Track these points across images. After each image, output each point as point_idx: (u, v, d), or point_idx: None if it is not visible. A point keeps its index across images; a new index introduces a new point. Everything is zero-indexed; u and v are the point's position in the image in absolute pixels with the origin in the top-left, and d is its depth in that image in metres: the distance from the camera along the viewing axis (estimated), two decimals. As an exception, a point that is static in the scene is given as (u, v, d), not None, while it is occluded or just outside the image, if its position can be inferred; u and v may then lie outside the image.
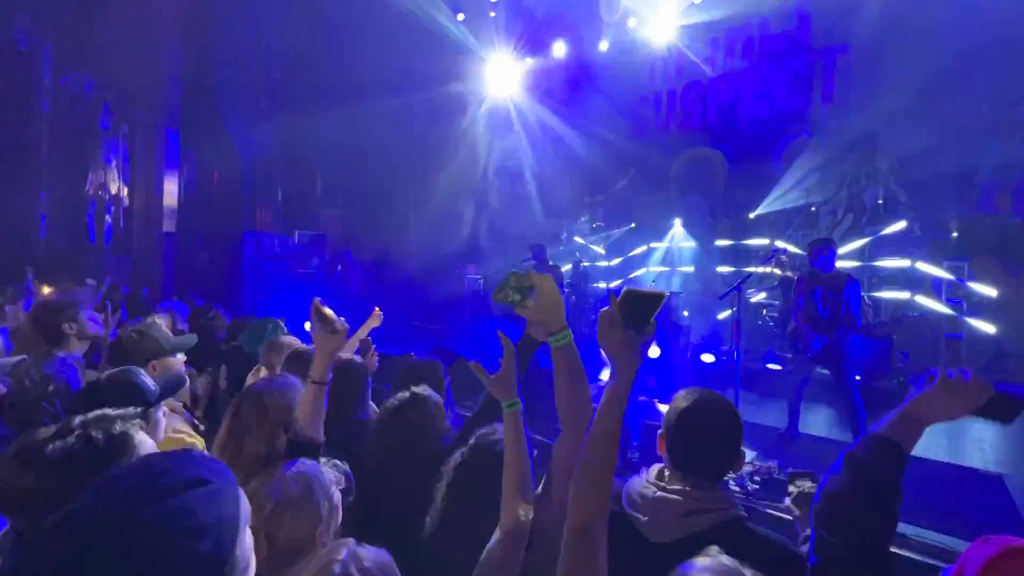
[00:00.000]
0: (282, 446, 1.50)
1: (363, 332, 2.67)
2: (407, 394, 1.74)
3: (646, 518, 1.18)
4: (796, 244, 7.80)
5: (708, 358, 6.36)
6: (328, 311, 1.49)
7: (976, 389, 1.02)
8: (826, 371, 4.37)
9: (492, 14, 10.63)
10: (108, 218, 8.16)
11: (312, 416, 1.49)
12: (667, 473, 1.24)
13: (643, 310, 0.99)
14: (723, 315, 8.01)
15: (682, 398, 1.28)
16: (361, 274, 10.01)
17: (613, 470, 1.00)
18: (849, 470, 1.05)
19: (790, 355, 4.98)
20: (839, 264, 4.51)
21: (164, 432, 1.70)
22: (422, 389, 1.76)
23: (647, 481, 1.24)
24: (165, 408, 1.70)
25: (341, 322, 1.50)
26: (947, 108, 6.93)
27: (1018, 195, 6.51)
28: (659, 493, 1.19)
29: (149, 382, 1.66)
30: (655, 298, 0.99)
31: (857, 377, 5.35)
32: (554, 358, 1.13)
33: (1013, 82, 6.52)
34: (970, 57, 6.65)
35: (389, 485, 1.66)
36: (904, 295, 7.05)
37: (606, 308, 1.02)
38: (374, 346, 2.55)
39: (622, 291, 1.01)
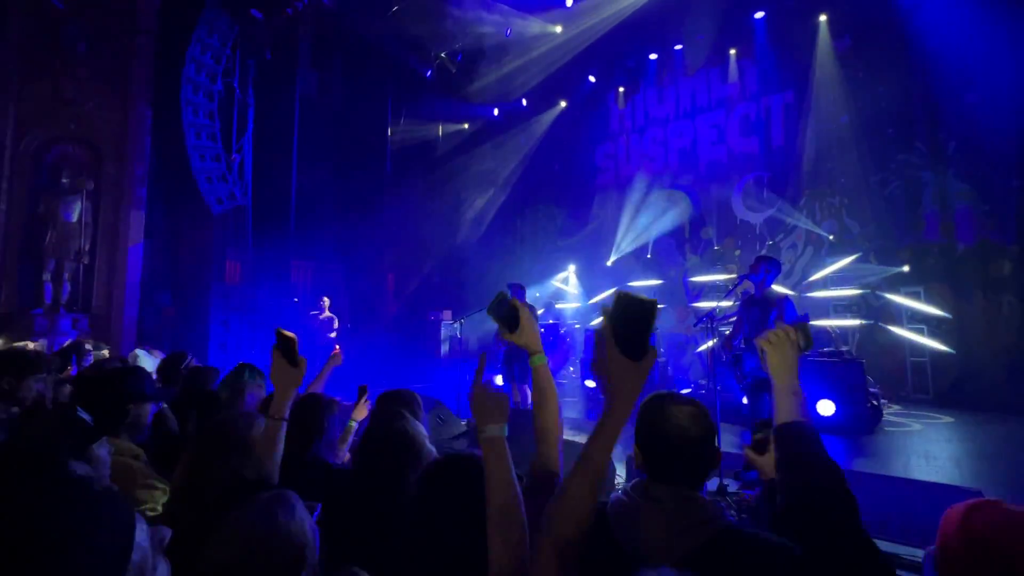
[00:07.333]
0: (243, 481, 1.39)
1: (325, 372, 2.57)
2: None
3: (636, 540, 1.09)
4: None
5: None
6: (291, 335, 1.49)
7: (789, 333, 1.15)
8: None
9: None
10: (67, 275, 7.87)
11: (268, 455, 1.43)
12: (648, 487, 1.14)
13: (637, 327, 0.89)
14: (701, 348, 8.10)
15: (649, 403, 1.20)
16: (337, 324, 9.79)
17: (594, 501, 0.97)
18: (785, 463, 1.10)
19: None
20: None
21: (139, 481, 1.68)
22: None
23: (628, 498, 1.14)
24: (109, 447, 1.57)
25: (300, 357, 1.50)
26: (887, 147, 7.49)
27: (959, 223, 6.94)
28: (644, 510, 1.10)
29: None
30: (646, 310, 0.89)
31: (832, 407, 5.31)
32: (534, 375, 1.34)
33: (944, 122, 7.08)
34: (905, 101, 7.27)
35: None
36: (868, 322, 7.29)
37: (598, 329, 0.96)
38: (367, 394, 2.33)
39: (614, 299, 0.94)
